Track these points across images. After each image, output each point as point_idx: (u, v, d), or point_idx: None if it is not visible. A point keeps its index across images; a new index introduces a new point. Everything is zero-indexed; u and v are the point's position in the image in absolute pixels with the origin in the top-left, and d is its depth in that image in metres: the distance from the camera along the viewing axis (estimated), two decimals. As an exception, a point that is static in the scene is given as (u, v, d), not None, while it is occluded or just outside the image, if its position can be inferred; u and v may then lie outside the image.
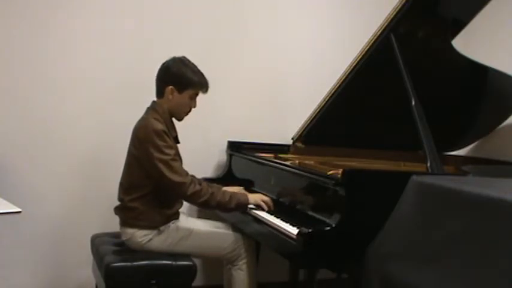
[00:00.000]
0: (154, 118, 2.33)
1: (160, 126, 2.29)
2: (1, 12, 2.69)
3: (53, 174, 2.83)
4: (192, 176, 2.52)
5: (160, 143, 2.25)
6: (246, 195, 2.40)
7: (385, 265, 1.66)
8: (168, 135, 2.31)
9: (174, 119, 2.45)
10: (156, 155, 2.24)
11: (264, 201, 2.39)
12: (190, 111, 2.45)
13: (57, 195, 2.84)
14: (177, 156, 2.34)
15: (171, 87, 2.36)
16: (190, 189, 2.25)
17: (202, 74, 2.40)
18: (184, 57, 2.41)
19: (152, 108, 2.40)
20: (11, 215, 2.02)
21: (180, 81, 2.36)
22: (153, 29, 2.98)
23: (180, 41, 3.02)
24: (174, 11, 3.03)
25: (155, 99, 2.43)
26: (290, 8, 3.32)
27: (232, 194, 2.36)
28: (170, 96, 2.37)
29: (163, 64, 2.41)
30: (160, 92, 2.41)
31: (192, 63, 2.41)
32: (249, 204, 2.37)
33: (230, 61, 3.15)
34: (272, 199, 2.49)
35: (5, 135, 2.72)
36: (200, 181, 2.51)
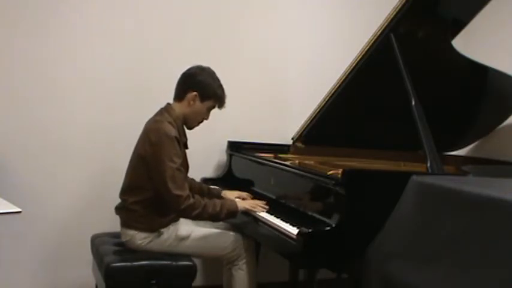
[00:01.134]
0: (169, 122, 2.31)
1: (173, 132, 2.28)
2: (1, 12, 2.69)
3: (53, 174, 2.83)
4: (190, 183, 2.51)
5: (171, 149, 2.24)
6: (235, 202, 2.39)
7: (385, 265, 1.66)
8: (179, 142, 2.31)
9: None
10: (164, 160, 2.22)
11: (253, 206, 2.38)
12: (201, 122, 2.46)
13: (57, 195, 2.84)
14: (182, 167, 2.32)
15: (195, 93, 2.36)
16: (185, 204, 2.23)
17: (224, 90, 2.42)
18: (209, 68, 2.42)
19: (166, 110, 2.38)
20: (11, 215, 2.02)
21: (205, 89, 2.36)
22: (153, 29, 2.98)
23: (180, 41, 3.03)
24: (174, 11, 3.03)
25: (170, 101, 2.42)
26: (290, 8, 3.32)
27: (222, 203, 2.35)
28: (191, 102, 2.37)
29: (190, 70, 2.41)
30: (180, 96, 2.39)
31: (217, 77, 2.42)
32: (238, 211, 2.37)
33: (230, 61, 3.14)
34: (272, 199, 2.49)
35: (5, 135, 2.72)
36: (194, 190, 2.51)
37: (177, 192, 2.22)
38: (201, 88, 2.36)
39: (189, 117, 2.41)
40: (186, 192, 2.25)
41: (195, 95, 2.36)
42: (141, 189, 2.32)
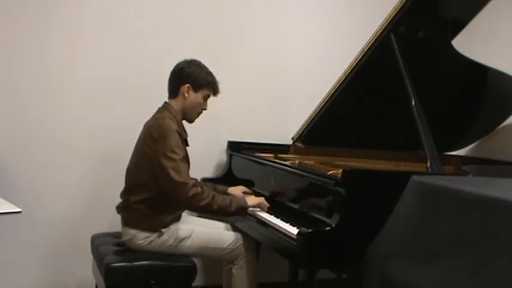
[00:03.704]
0: (169, 118, 2.34)
1: (174, 126, 2.31)
2: (1, 12, 2.69)
3: (53, 174, 2.83)
4: (195, 180, 2.52)
5: (173, 142, 2.27)
6: (244, 199, 2.41)
7: (385, 265, 1.66)
8: (180, 136, 2.33)
9: (184, 122, 2.47)
10: (166, 153, 2.24)
11: (262, 203, 2.40)
12: (201, 112, 2.47)
13: (57, 195, 2.84)
14: (185, 159, 2.35)
15: (187, 85, 2.39)
16: (192, 191, 2.24)
17: (214, 77, 2.44)
18: (195, 59, 2.44)
19: (165, 108, 2.41)
20: (11, 215, 2.02)
21: (196, 80, 2.39)
22: (153, 28, 2.98)
23: (180, 41, 3.02)
24: (174, 11, 3.03)
25: (166, 100, 2.44)
26: (290, 7, 3.32)
27: (232, 198, 2.38)
28: (186, 95, 2.39)
29: (178, 65, 2.44)
30: (174, 92, 2.42)
31: (205, 66, 2.44)
32: (248, 207, 2.38)
33: (230, 61, 3.14)
34: (272, 199, 2.49)
35: (5, 135, 2.72)
36: (202, 185, 2.51)
37: (181, 179, 2.24)
38: (191, 79, 2.39)
39: (188, 110, 2.43)
40: (191, 181, 2.28)
41: (188, 87, 2.39)
42: (144, 188, 2.33)
